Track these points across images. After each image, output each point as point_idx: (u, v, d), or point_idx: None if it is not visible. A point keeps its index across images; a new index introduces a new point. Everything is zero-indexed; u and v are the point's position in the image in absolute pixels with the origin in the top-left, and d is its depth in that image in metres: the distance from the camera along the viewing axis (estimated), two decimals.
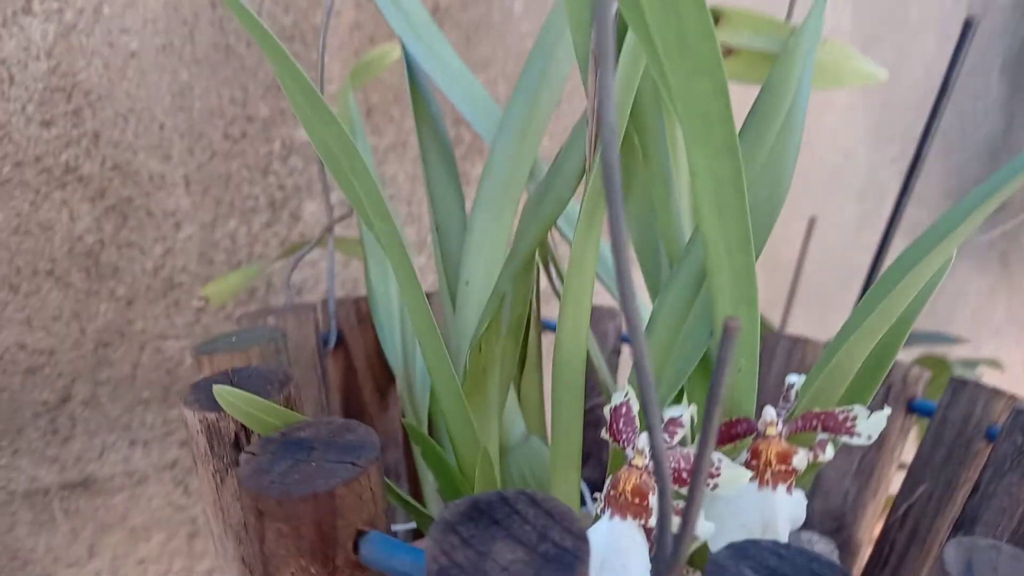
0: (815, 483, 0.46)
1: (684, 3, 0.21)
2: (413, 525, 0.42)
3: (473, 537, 0.18)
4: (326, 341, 0.42)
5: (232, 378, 0.28)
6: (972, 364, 0.78)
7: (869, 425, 0.29)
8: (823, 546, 0.40)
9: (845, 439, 0.29)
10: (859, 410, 0.29)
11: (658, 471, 0.16)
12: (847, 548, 0.44)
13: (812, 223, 0.73)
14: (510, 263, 0.33)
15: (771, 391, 0.47)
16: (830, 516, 0.44)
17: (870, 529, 0.43)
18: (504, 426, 0.38)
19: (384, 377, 0.44)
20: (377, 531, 0.21)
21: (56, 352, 0.59)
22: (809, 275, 1.06)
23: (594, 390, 0.50)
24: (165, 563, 0.64)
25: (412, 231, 0.78)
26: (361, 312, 0.45)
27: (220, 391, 0.22)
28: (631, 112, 0.30)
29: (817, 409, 0.30)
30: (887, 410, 0.29)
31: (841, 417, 0.29)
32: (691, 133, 0.24)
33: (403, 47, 0.43)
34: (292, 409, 0.27)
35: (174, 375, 0.65)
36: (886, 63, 1.05)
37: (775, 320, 0.88)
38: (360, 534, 0.21)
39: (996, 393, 0.38)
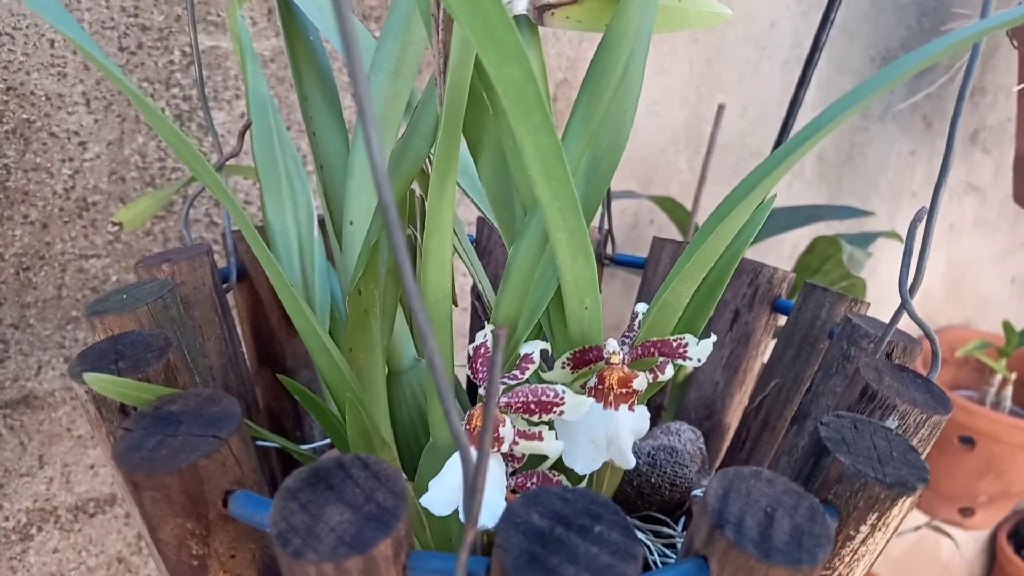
0: (691, 375, 0.52)
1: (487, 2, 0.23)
2: (328, 440, 0.47)
3: (310, 502, 0.22)
4: (227, 277, 0.44)
5: (117, 344, 0.30)
6: (870, 238, 0.83)
7: (698, 350, 0.33)
8: (689, 434, 0.45)
9: (679, 362, 0.33)
10: (689, 339, 0.33)
11: (454, 434, 0.19)
12: (716, 431, 0.49)
13: (720, 110, 0.75)
14: (379, 214, 0.35)
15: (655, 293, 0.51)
16: (702, 404, 0.50)
17: (736, 415, 0.49)
18: (396, 352, 0.42)
19: None
20: (243, 490, 0.25)
21: None
22: (731, 151, 1.08)
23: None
24: None
25: None
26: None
27: (92, 379, 0.24)
28: (478, 69, 0.31)
29: (654, 338, 0.33)
30: (713, 338, 0.33)
31: (675, 344, 0.33)
32: (513, 112, 0.26)
33: None
34: (173, 371, 0.30)
35: (100, 292, 0.67)
36: None
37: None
38: (228, 493, 0.25)
39: (840, 297, 0.43)
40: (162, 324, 0.34)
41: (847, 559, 0.27)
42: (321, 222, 0.48)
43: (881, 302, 1.34)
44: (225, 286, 0.44)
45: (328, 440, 0.47)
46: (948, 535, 1.54)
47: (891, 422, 0.30)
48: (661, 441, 0.45)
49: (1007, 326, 1.39)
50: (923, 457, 0.28)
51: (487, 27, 0.23)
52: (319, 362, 0.32)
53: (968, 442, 1.39)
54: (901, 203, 1.30)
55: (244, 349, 0.47)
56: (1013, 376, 1.41)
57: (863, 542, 0.26)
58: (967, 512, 1.50)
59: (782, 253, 1.19)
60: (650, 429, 0.47)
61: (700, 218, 0.88)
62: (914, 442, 0.30)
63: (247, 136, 0.61)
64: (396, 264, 0.38)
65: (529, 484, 0.35)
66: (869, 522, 0.25)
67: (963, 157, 1.35)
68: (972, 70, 0.28)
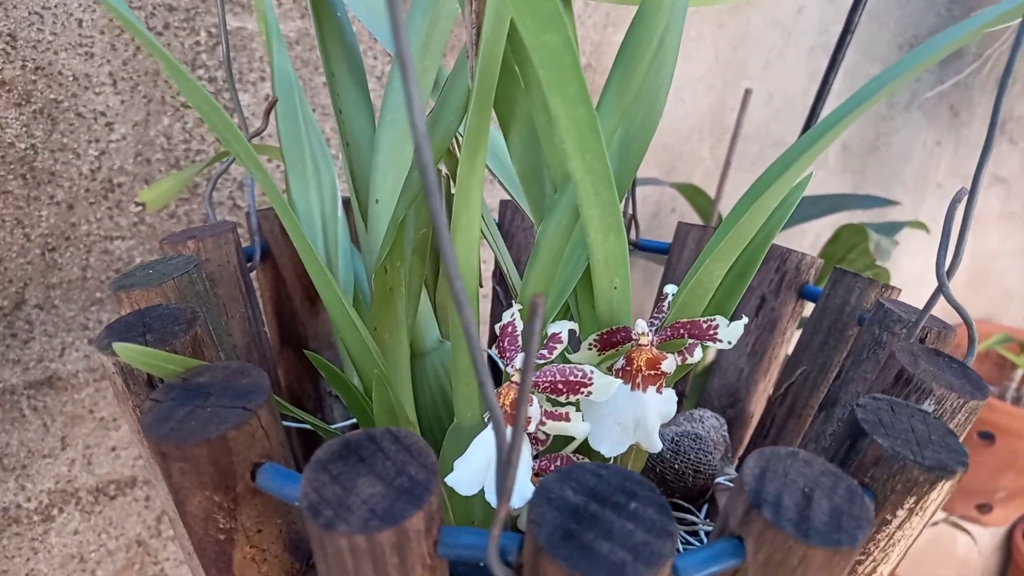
0: (715, 362, 0.51)
1: None
2: (352, 421, 0.47)
3: (341, 474, 0.22)
4: (251, 256, 0.44)
5: (144, 317, 0.30)
6: (896, 227, 0.81)
7: (729, 332, 0.32)
8: (712, 421, 0.44)
9: (708, 344, 0.33)
10: (720, 320, 0.32)
11: (489, 405, 0.19)
12: (740, 419, 0.49)
13: (747, 95, 0.74)
14: (406, 189, 0.34)
15: (680, 279, 0.51)
16: (726, 392, 0.49)
17: (760, 404, 0.48)
18: (419, 333, 0.41)
19: (313, 285, 0.47)
20: (271, 463, 0.25)
21: (3, 260, 0.60)
22: (755, 139, 1.07)
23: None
24: (136, 448, 0.69)
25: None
26: None
27: (120, 348, 0.24)
28: (512, 41, 0.31)
29: (684, 319, 0.33)
30: (744, 319, 0.32)
31: (704, 326, 0.32)
32: (549, 82, 0.26)
33: None
34: (200, 344, 0.30)
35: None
36: None
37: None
38: (256, 466, 0.25)
39: (871, 283, 0.42)
40: (188, 299, 0.34)
41: (882, 544, 0.26)
42: (345, 203, 0.47)
43: (904, 294, 1.33)
44: (249, 265, 0.43)
45: (352, 421, 0.47)
46: (966, 531, 1.52)
47: (927, 407, 0.29)
48: (684, 428, 0.44)
49: None
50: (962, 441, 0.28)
51: None
52: (346, 338, 0.32)
53: (988, 438, 1.37)
54: (926, 194, 1.28)
55: (267, 329, 0.47)
56: None
57: (899, 527, 0.26)
58: (985, 508, 1.49)
59: (804, 243, 1.18)
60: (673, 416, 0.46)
61: (723, 206, 0.87)
62: (951, 427, 0.29)
63: (272, 117, 0.61)
64: (421, 243, 0.37)
65: (553, 467, 0.35)
66: (907, 506, 0.25)
67: None
68: (1021, 42, 0.27)
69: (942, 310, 1.45)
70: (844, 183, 1.19)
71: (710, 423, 0.45)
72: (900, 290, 0.42)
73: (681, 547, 0.42)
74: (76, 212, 0.63)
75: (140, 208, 0.66)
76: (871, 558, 0.27)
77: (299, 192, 0.45)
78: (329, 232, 0.45)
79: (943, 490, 0.25)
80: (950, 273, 0.32)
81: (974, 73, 1.14)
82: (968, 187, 0.31)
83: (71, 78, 0.61)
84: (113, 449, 0.69)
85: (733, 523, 0.23)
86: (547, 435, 0.34)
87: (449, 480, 0.29)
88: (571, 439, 0.37)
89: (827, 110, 0.98)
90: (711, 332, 0.32)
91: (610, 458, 0.36)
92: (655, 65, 0.31)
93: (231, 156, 0.52)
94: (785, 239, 1.11)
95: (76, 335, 0.66)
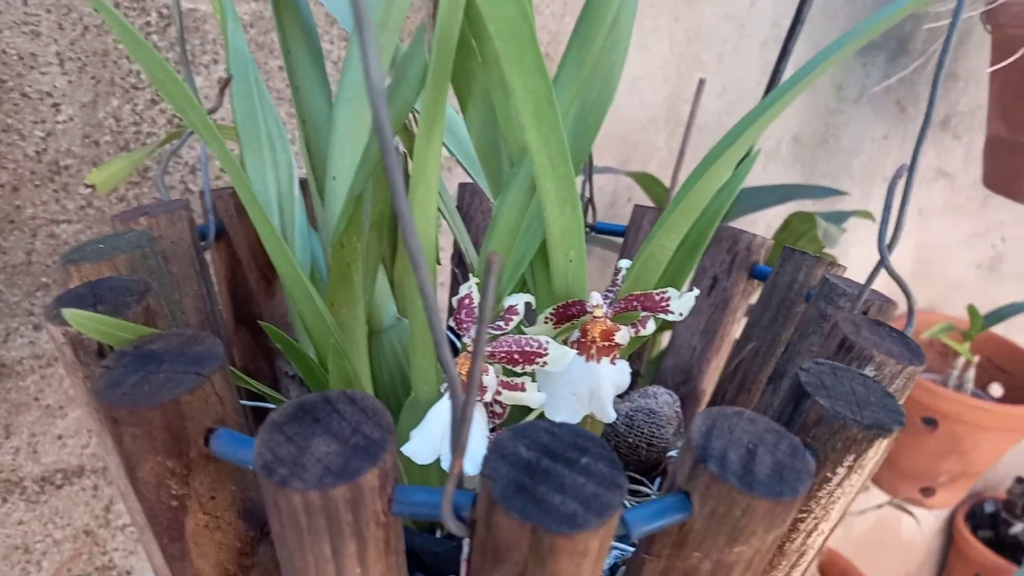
0: (670, 341, 0.52)
1: None
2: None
3: (296, 435, 0.22)
4: (205, 235, 0.44)
5: (94, 289, 0.30)
6: (844, 216, 0.84)
7: (680, 304, 0.33)
8: (666, 397, 0.45)
9: (661, 316, 0.34)
10: (672, 292, 0.33)
11: (445, 367, 0.19)
12: (692, 396, 0.50)
13: (701, 85, 0.75)
14: (364, 164, 0.34)
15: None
16: (679, 370, 0.50)
17: (712, 381, 0.50)
18: (377, 309, 0.42)
19: (268, 264, 0.47)
20: (224, 428, 0.25)
21: None
22: (709, 131, 1.09)
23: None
24: (84, 437, 0.67)
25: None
26: (240, 202, 0.46)
27: (71, 315, 0.24)
28: (469, 16, 0.31)
29: (637, 292, 0.34)
30: (695, 291, 0.33)
31: (657, 298, 0.33)
32: (506, 53, 0.26)
33: None
34: (152, 316, 0.29)
35: None
36: None
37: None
38: (210, 431, 0.25)
39: (818, 261, 0.43)
40: (141, 274, 0.34)
41: (823, 501, 0.27)
42: (302, 184, 0.47)
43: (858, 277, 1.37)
44: (203, 244, 0.43)
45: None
46: (910, 513, 1.57)
47: (868, 372, 0.30)
48: (639, 403, 0.45)
49: (972, 310, 1.42)
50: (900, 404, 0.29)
51: None
52: (303, 310, 0.32)
53: (931, 423, 1.42)
54: (874, 186, 1.32)
55: (221, 309, 0.47)
56: (976, 359, 1.45)
57: (839, 484, 0.27)
58: (928, 492, 1.54)
59: (757, 231, 1.20)
60: (627, 393, 0.47)
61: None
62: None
63: (227, 97, 0.60)
64: (379, 218, 0.38)
65: None
66: (846, 464, 0.26)
67: (933, 142, 1.37)
68: (949, 44, 0.28)
69: (888, 289, 1.50)
70: (796, 174, 1.22)
71: (663, 399, 0.46)
72: (846, 268, 0.43)
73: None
74: (21, 195, 0.62)
75: (89, 190, 0.64)
76: (812, 515, 0.28)
77: (255, 171, 0.44)
78: (286, 211, 0.44)
79: (880, 448, 0.26)
80: (891, 247, 0.33)
81: (919, 69, 1.18)
82: (908, 166, 0.32)
83: (16, 57, 0.59)
84: (60, 437, 0.67)
85: (680, 479, 0.23)
86: (504, 407, 0.34)
87: (405, 449, 0.30)
88: (527, 412, 0.37)
89: None
90: (663, 304, 0.33)
91: None
92: (609, 41, 0.32)
93: (184, 135, 0.51)
94: (739, 227, 1.13)
95: (21, 320, 0.64)
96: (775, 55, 1.07)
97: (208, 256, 0.46)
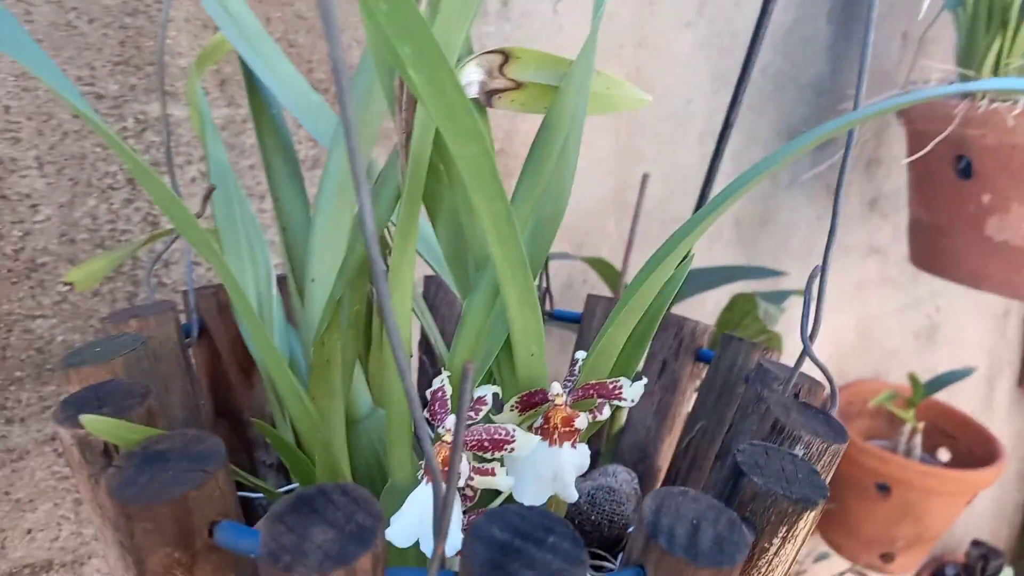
0: (627, 421, 0.56)
1: (448, 85, 0.27)
2: (288, 487, 0.49)
3: (296, 524, 0.25)
4: (188, 332, 0.47)
5: (98, 392, 0.32)
6: (783, 296, 0.90)
7: (631, 391, 0.37)
8: (624, 475, 0.49)
9: (615, 403, 0.37)
10: (623, 381, 0.37)
11: (427, 457, 0.22)
12: (649, 472, 0.53)
13: (645, 179, 0.82)
14: (343, 271, 0.38)
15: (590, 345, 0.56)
16: (636, 448, 0.54)
17: (667, 458, 0.53)
18: (353, 402, 0.45)
19: (248, 359, 0.50)
20: (228, 520, 0.27)
21: None
22: (655, 216, 1.16)
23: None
24: (53, 531, 0.67)
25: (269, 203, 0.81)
26: (221, 300, 0.49)
27: (87, 420, 0.27)
28: (436, 145, 0.35)
29: (593, 380, 0.37)
30: (644, 380, 0.37)
31: (611, 386, 0.37)
32: (471, 182, 0.30)
33: (239, 55, 0.46)
34: (153, 417, 0.32)
35: (46, 353, 0.67)
36: (724, 10, 1.13)
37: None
38: (214, 523, 0.27)
39: (754, 346, 0.48)
40: (135, 375, 0.36)
41: (763, 569, 0.31)
42: (279, 281, 0.51)
43: (795, 357, 1.43)
44: (187, 341, 0.46)
45: (287, 487, 0.49)
46: None
47: (798, 451, 0.34)
48: (599, 481, 0.48)
49: (913, 378, 1.49)
50: (827, 480, 0.33)
51: (450, 111, 0.28)
52: (289, 403, 0.35)
53: (884, 489, 1.47)
54: (811, 263, 1.40)
55: (203, 402, 0.49)
56: (921, 425, 1.51)
57: (776, 553, 0.30)
58: (887, 557, 1.57)
59: (705, 310, 1.26)
60: (588, 472, 0.50)
61: (629, 276, 0.94)
62: (817, 468, 0.35)
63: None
64: (356, 319, 0.41)
65: None
66: (780, 534, 0.29)
67: (864, 222, 1.47)
68: (848, 155, 0.34)
69: (828, 364, 1.56)
70: (739, 255, 1.29)
71: (622, 476, 0.49)
72: (780, 352, 0.48)
73: None
74: None
75: (68, 288, 0.66)
76: None
77: (237, 271, 0.48)
78: (265, 309, 0.48)
79: (809, 519, 0.30)
80: (813, 335, 0.38)
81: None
82: (827, 261, 0.37)
83: None
84: (29, 532, 0.67)
85: (635, 554, 0.27)
86: (475, 490, 0.37)
87: (387, 534, 0.32)
88: (497, 494, 0.40)
89: (717, 188, 1.08)
90: (616, 392, 0.37)
91: None
92: (560, 163, 0.37)
93: (171, 238, 0.54)
94: (688, 307, 1.19)
95: None
96: (710, 146, 1.15)
97: (190, 352, 0.49)
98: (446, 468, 0.34)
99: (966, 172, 0.95)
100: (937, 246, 1.04)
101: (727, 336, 0.49)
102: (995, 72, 0.90)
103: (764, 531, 0.30)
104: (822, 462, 0.35)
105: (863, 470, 1.46)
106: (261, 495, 0.51)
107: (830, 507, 1.56)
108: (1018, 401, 2.19)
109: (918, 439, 1.51)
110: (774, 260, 1.34)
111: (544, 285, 0.61)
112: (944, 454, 1.63)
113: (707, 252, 1.26)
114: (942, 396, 1.61)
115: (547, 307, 0.61)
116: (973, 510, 1.53)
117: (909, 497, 1.47)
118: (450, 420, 0.34)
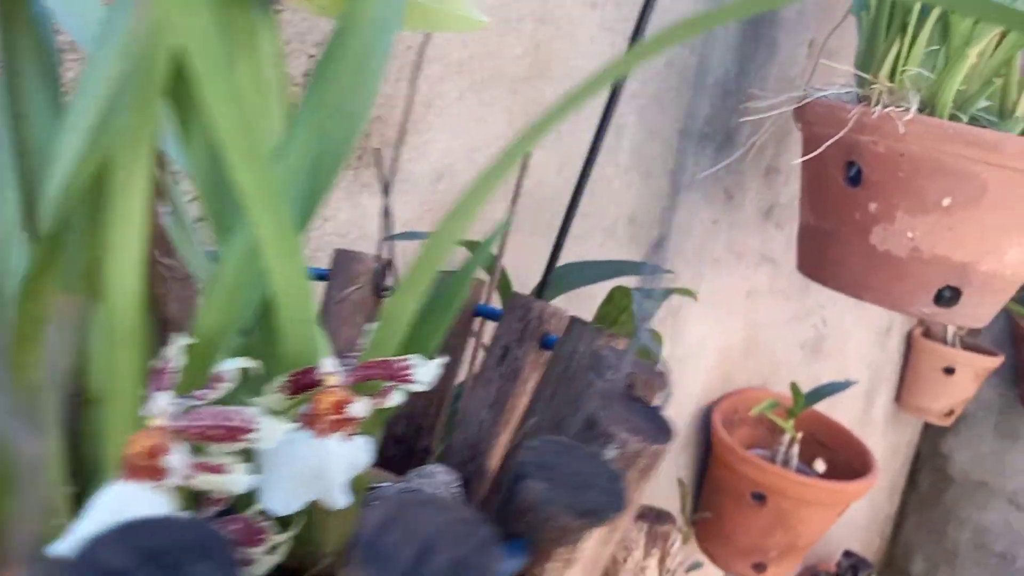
0: (460, 414, 0.49)
1: None
2: None
3: None
4: None
5: None
6: (664, 293, 0.85)
7: (424, 372, 0.30)
8: (443, 477, 0.42)
9: (405, 386, 0.30)
10: (414, 359, 0.30)
11: None
12: (479, 474, 0.47)
13: (526, 160, 0.76)
14: (68, 193, 0.29)
15: None
16: (467, 445, 0.47)
17: (501, 457, 0.47)
18: None
19: None
20: None
21: None
22: (547, 206, 1.10)
23: None
24: None
25: None
26: None
27: None
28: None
29: (376, 358, 0.30)
30: (440, 359, 0.30)
31: (397, 366, 0.30)
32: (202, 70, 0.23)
33: None
34: None
35: None
36: (627, 13, 1.08)
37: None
38: None
39: (598, 332, 0.42)
40: None
41: None
42: None
43: (683, 360, 1.41)
44: None
45: None
46: None
47: (611, 451, 0.28)
48: (411, 485, 0.41)
49: (794, 388, 1.49)
50: (639, 488, 0.27)
51: None
52: None
53: (759, 498, 1.46)
54: (704, 267, 1.38)
55: None
56: (800, 435, 1.51)
57: None
58: (760, 567, 1.57)
59: (592, 305, 1.22)
60: (404, 474, 0.43)
61: (506, 260, 0.88)
62: (634, 472, 0.28)
63: None
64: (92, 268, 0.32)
65: (231, 530, 0.30)
66: (561, 557, 0.23)
67: (758, 231, 1.46)
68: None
69: (721, 368, 1.56)
70: (632, 253, 1.25)
71: (440, 479, 0.42)
72: (626, 339, 0.42)
73: None
74: None
75: None
76: None
77: None
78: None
79: (607, 538, 0.24)
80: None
81: (741, 159, 1.26)
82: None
83: None
84: None
85: None
86: (224, 494, 0.29)
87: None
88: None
89: (600, 175, 1.03)
90: (403, 372, 0.30)
91: (299, 520, 0.32)
92: (356, 79, 0.29)
93: None
94: (572, 299, 1.14)
95: None
96: (610, 138, 1.11)
97: None
98: (152, 461, 0.26)
99: (855, 179, 0.93)
100: (823, 253, 1.03)
101: (574, 319, 0.43)
102: (891, 78, 0.88)
103: (541, 550, 0.23)
104: (638, 465, 0.28)
105: (741, 479, 1.45)
106: None
107: (706, 516, 1.55)
108: (894, 416, 2.26)
109: (796, 449, 1.52)
110: (668, 262, 1.31)
111: (385, 255, 0.53)
112: (820, 465, 1.65)
113: (599, 248, 1.21)
114: (823, 407, 1.63)
115: (389, 282, 0.54)
116: (845, 521, 1.55)
117: (784, 506, 1.47)
118: (163, 400, 0.26)
